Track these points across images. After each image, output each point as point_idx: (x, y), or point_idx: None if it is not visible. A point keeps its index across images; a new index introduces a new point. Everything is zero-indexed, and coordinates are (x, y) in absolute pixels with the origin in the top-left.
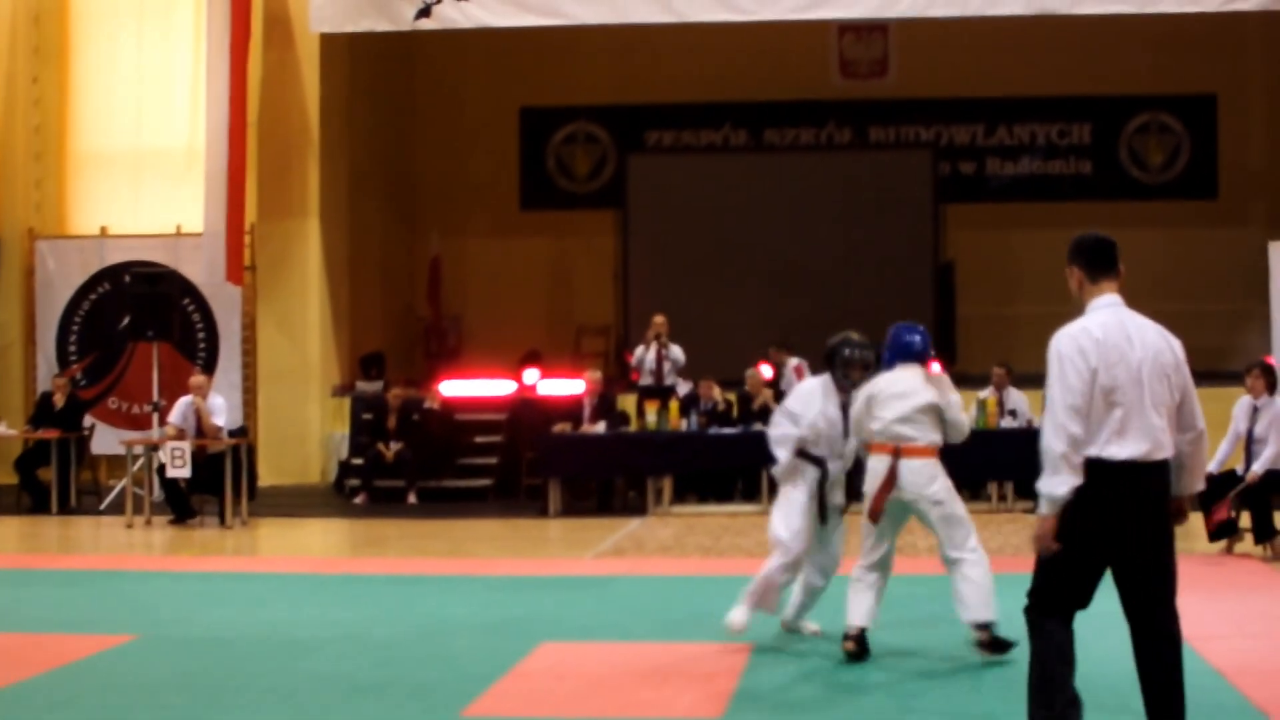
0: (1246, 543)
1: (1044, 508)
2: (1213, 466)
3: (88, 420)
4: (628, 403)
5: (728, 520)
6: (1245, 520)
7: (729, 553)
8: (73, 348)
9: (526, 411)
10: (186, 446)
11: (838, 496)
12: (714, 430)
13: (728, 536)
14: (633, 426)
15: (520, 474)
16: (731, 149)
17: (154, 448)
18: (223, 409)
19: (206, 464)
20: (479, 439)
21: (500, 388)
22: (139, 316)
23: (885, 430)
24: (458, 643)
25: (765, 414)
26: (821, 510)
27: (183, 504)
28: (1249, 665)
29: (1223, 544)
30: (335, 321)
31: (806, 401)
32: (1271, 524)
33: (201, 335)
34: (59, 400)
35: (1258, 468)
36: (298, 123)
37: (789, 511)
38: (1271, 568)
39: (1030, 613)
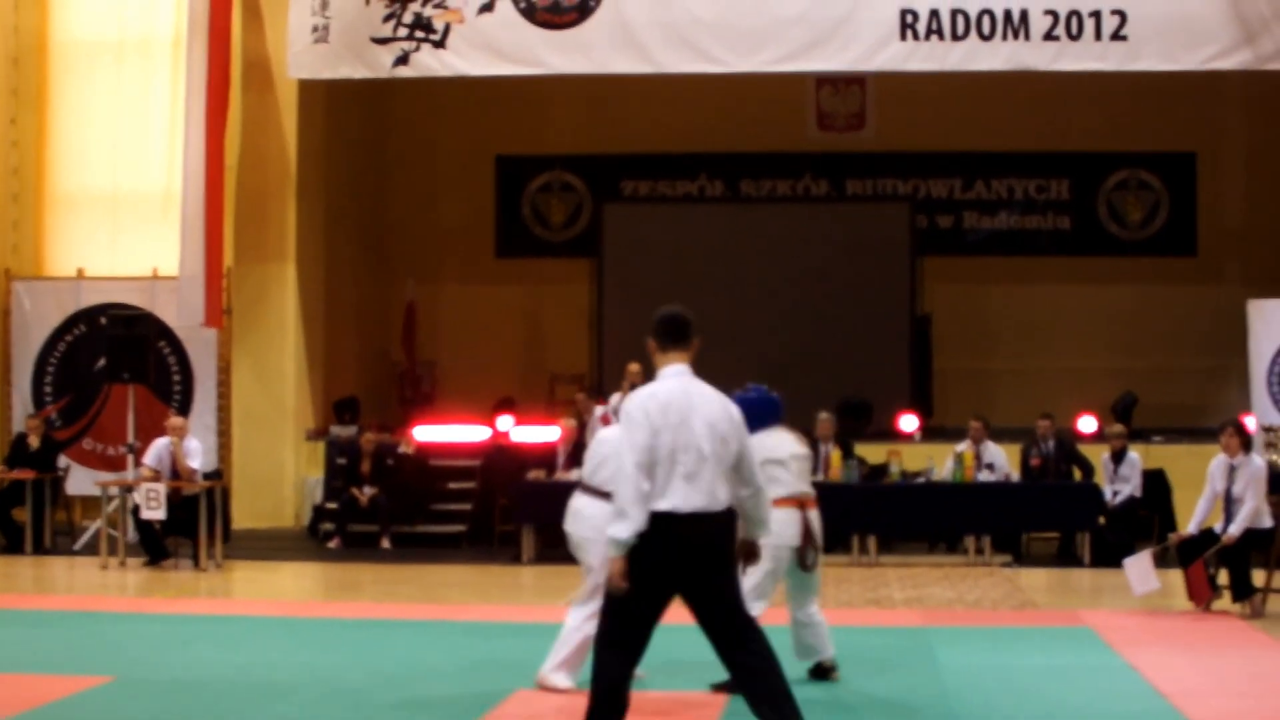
0: (1225, 600)
1: (612, 550)
2: (1191, 526)
3: (63, 461)
4: None
5: None
6: (1224, 578)
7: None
8: (48, 389)
9: (500, 458)
10: (162, 488)
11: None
12: None
13: None
14: None
15: (494, 520)
16: (707, 199)
17: (129, 489)
18: (198, 451)
19: (181, 506)
20: (453, 485)
21: (474, 434)
22: (115, 358)
23: (793, 489)
24: (431, 688)
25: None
26: None
27: (157, 546)
28: None
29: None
30: (310, 365)
31: None
32: (1250, 581)
33: (177, 378)
34: (34, 441)
35: (1234, 529)
36: (275, 167)
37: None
38: (1250, 625)
39: (596, 645)
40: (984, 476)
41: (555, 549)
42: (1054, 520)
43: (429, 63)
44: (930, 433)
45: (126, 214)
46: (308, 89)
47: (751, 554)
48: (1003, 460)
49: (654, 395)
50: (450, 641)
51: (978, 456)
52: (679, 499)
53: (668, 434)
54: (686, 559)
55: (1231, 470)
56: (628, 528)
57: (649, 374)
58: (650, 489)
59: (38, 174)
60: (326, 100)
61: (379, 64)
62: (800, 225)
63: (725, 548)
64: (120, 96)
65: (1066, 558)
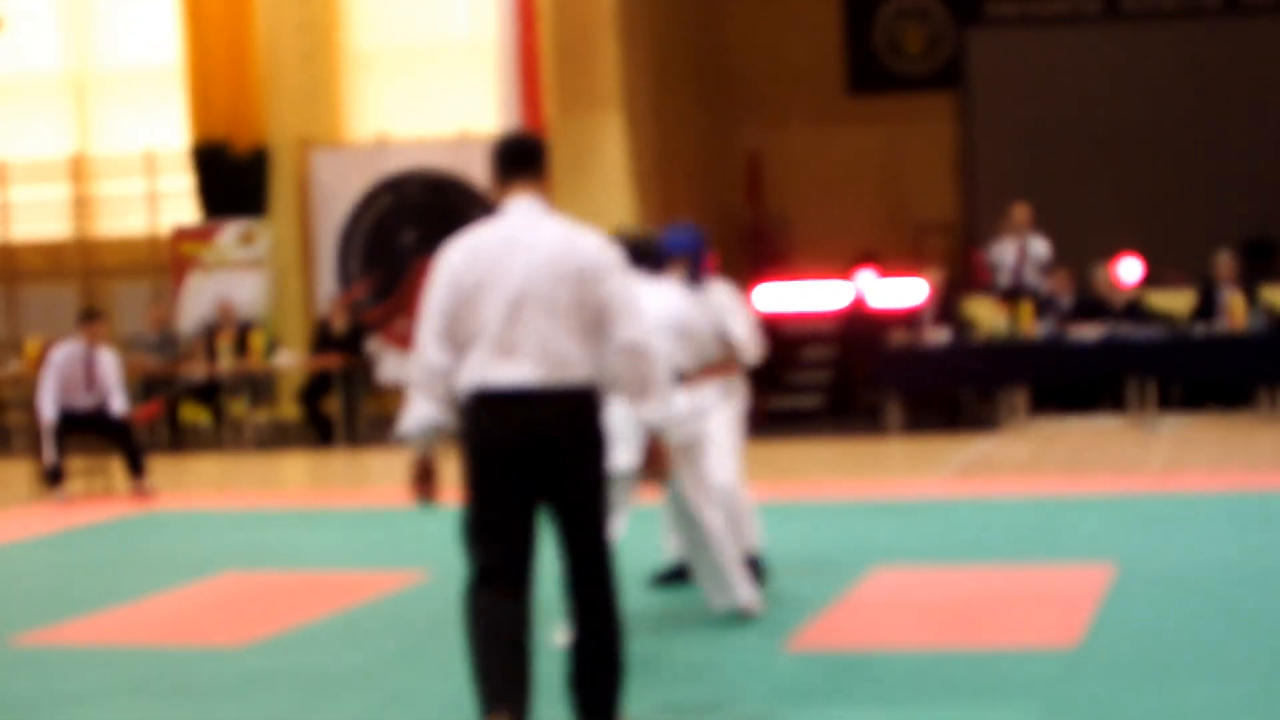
0: None
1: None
2: None
3: (372, 345)
4: (977, 307)
5: (1091, 435)
6: None
7: (1092, 469)
8: (354, 266)
9: (861, 321)
10: None
11: None
12: (1074, 335)
13: (1091, 451)
14: (983, 332)
15: (856, 390)
16: (1083, 18)
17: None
18: None
19: None
20: (808, 352)
21: (831, 295)
22: (425, 229)
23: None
24: (784, 570)
25: (1132, 314)
26: None
27: None
28: None
29: None
30: (644, 225)
31: None
32: None
33: None
34: (338, 324)
35: None
36: (595, 5)
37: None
38: None
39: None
40: None
41: (924, 418)
42: None
43: None
44: None
45: (429, 68)
46: None
47: (656, 458)
48: None
49: (470, 237)
50: (806, 521)
51: None
52: (489, 372)
53: (475, 285)
54: (508, 451)
55: None
56: (413, 418)
57: (1040, 215)
58: (451, 363)
59: (329, 29)
60: None
61: None
62: (1191, 44)
63: (573, 440)
64: None
65: None
